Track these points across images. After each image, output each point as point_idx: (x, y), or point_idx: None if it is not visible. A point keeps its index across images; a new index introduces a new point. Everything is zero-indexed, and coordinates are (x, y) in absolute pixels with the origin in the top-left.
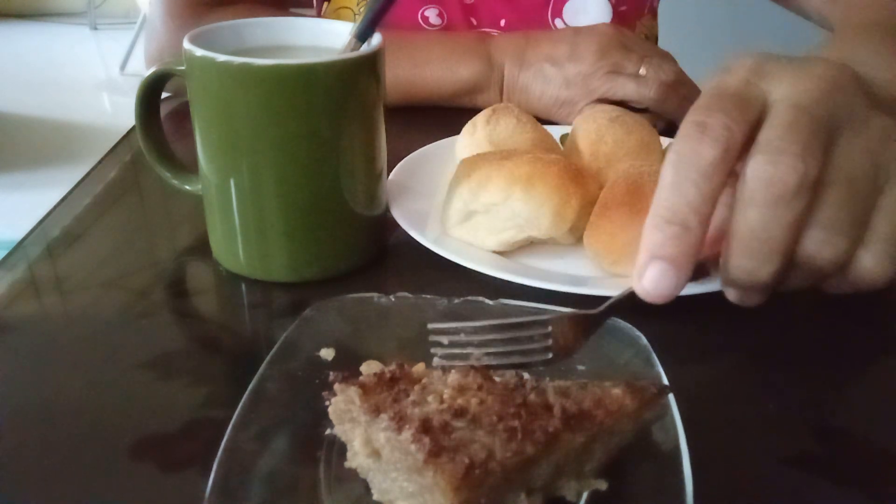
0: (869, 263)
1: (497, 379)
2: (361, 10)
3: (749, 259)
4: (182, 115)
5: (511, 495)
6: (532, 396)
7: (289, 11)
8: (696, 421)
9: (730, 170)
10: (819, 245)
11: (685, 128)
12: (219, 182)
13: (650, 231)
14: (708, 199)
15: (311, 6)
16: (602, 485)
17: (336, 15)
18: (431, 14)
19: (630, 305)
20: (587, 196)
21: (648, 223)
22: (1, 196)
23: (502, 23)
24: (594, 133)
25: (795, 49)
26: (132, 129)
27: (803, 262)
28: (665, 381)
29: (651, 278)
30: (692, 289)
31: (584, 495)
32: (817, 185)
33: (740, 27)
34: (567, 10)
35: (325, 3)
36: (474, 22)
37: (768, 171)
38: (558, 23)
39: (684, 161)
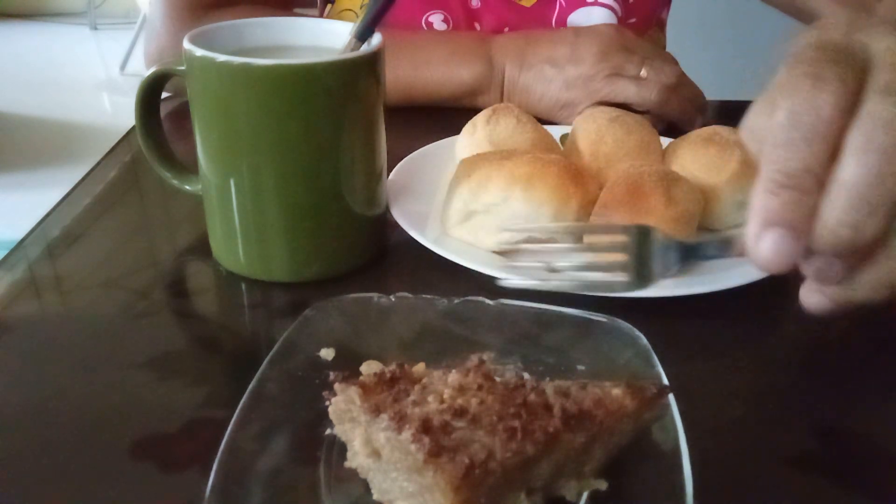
0: None
1: (497, 379)
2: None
3: (857, 212)
4: (182, 115)
5: (511, 495)
6: (532, 396)
7: (292, 12)
8: (696, 421)
9: (846, 125)
10: None
11: (793, 80)
12: (219, 182)
13: (764, 196)
14: (825, 158)
15: (311, 7)
16: (602, 485)
17: (339, 18)
18: (436, 19)
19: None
20: (587, 196)
21: (761, 188)
22: (1, 196)
23: (505, 30)
24: (594, 133)
25: None
26: (132, 129)
27: None
28: (665, 381)
29: (769, 247)
30: (692, 289)
31: (584, 495)
32: None
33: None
34: (571, 21)
35: (329, 6)
36: (478, 28)
37: (887, 112)
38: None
39: (800, 117)
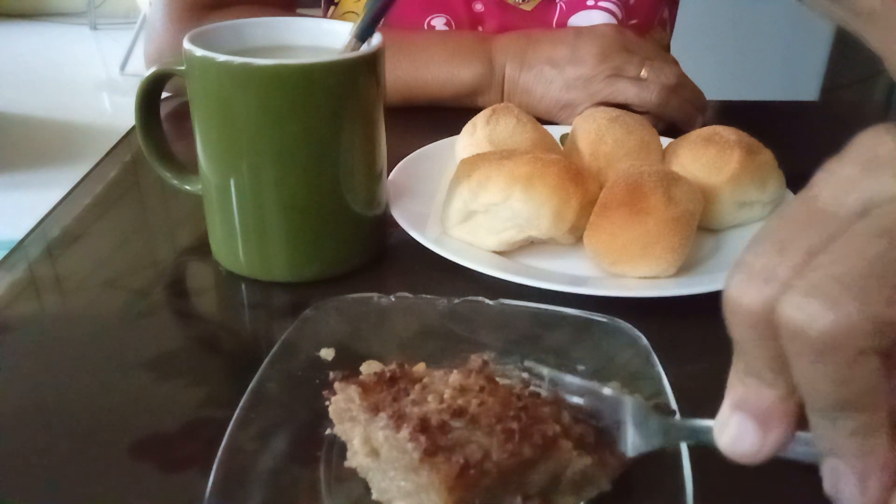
0: None
1: (499, 381)
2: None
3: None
4: (182, 115)
5: (507, 498)
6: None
7: (295, 12)
8: None
9: None
10: None
11: (734, 272)
12: (219, 182)
13: (732, 376)
14: (776, 351)
15: (314, 7)
16: (605, 485)
17: (342, 20)
18: (438, 23)
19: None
20: (587, 196)
21: (731, 373)
22: (1, 196)
23: None
24: (594, 133)
25: (801, 63)
26: (132, 129)
27: None
28: (665, 380)
29: (731, 433)
30: (692, 289)
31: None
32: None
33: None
34: (572, 24)
35: (332, 7)
36: (481, 30)
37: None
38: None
39: (734, 312)
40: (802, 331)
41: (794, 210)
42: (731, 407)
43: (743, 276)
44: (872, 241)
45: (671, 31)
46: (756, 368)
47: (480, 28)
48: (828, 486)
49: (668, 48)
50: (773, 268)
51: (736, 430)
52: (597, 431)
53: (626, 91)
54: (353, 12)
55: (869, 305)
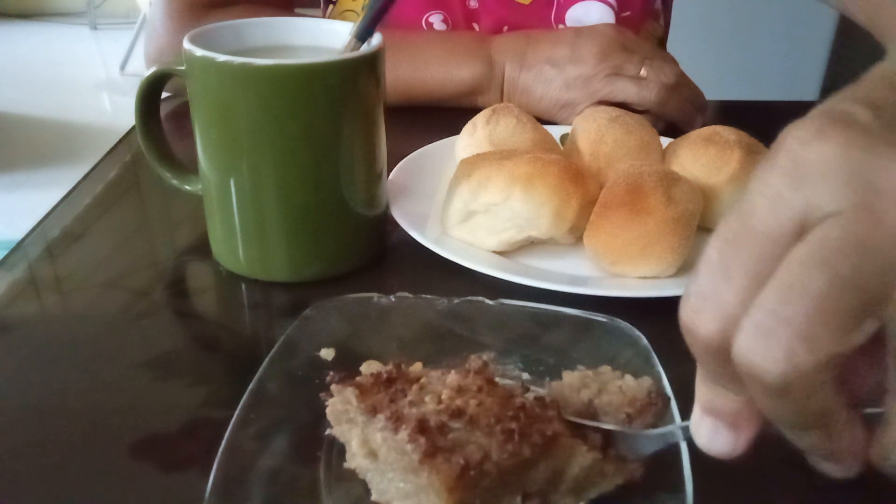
0: None
1: (498, 381)
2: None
3: (790, 417)
4: (182, 115)
5: (507, 498)
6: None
7: (293, 12)
8: None
9: None
10: None
11: (686, 295)
12: (219, 182)
13: (698, 381)
14: (727, 366)
15: (310, 7)
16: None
17: (341, 18)
18: (436, 20)
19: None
20: (587, 196)
21: (698, 376)
22: (1, 196)
23: (505, 28)
24: (594, 133)
25: (801, 63)
26: (132, 129)
27: None
28: (665, 380)
29: (705, 433)
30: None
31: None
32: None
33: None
34: (570, 17)
35: (331, 6)
36: (477, 28)
37: (763, 363)
38: (561, 28)
39: (687, 329)
40: (758, 375)
41: (733, 228)
42: (701, 410)
43: (694, 303)
44: (814, 276)
45: (667, 24)
46: (719, 381)
47: (476, 25)
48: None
49: (663, 41)
50: (721, 295)
51: (709, 432)
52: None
53: (626, 90)
54: (352, 11)
55: (820, 349)
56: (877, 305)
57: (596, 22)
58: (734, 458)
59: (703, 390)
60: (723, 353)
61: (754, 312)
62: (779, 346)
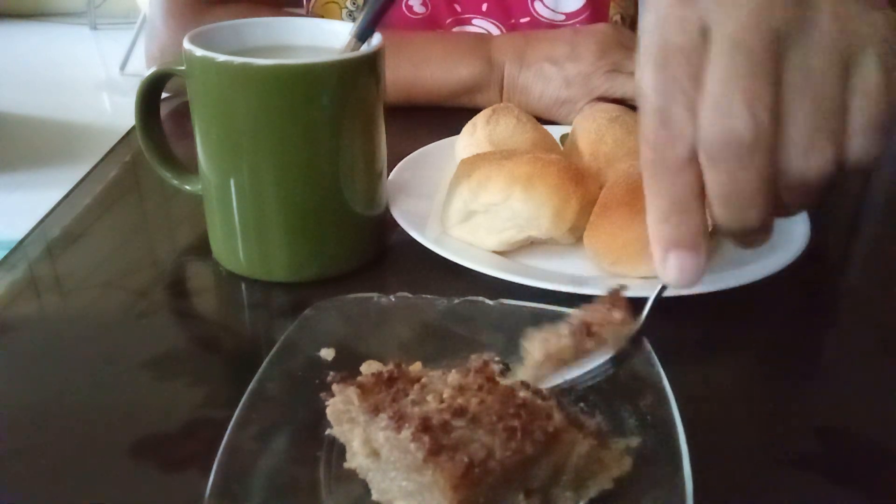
0: (858, 152)
1: (499, 380)
2: (348, 3)
3: (732, 211)
4: (182, 115)
5: (510, 495)
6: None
7: (283, 10)
8: (696, 421)
9: None
10: (803, 162)
11: (645, 115)
12: (219, 182)
13: (655, 225)
14: (697, 178)
15: (301, 5)
16: (608, 483)
17: (324, 10)
18: (416, 3)
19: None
20: (587, 196)
21: (650, 218)
22: (1, 196)
23: (483, 7)
24: (594, 133)
25: None
26: (132, 129)
27: (795, 184)
28: (665, 380)
29: (674, 268)
30: (692, 289)
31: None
32: (779, 112)
33: None
34: None
35: None
36: (458, 9)
37: (720, 132)
38: (537, 6)
39: (660, 154)
40: (733, 138)
41: (659, 52)
42: (664, 250)
43: (655, 136)
44: (734, 57)
45: (636, 2)
46: (682, 202)
47: (457, 7)
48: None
49: (633, 19)
50: (676, 114)
51: (677, 264)
52: (598, 424)
53: (625, 85)
54: (334, 2)
55: (765, 97)
56: (784, 59)
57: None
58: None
59: (662, 228)
60: (691, 161)
61: (708, 99)
62: (741, 105)
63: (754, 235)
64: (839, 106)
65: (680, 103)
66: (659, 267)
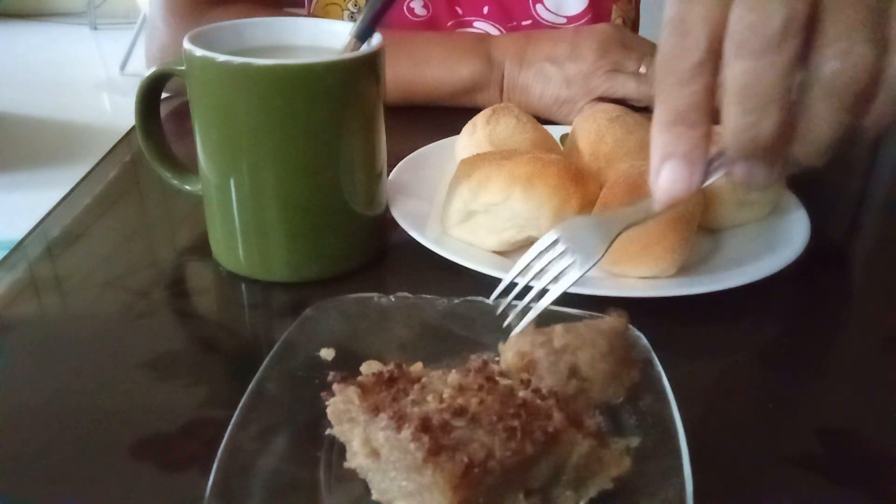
0: None
1: (499, 380)
2: (349, 5)
3: (748, 111)
4: (182, 115)
5: (510, 495)
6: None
7: (283, 10)
8: (697, 421)
9: (720, 55)
10: (837, 63)
11: (667, 23)
12: (219, 182)
13: (656, 134)
14: (704, 91)
15: (302, 5)
16: (608, 483)
17: (325, 11)
18: (417, 5)
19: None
20: (587, 196)
21: (654, 127)
22: (1, 196)
23: (485, 10)
24: (594, 133)
25: None
26: (132, 129)
27: (821, 93)
28: (665, 380)
29: (667, 178)
30: (692, 289)
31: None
32: (817, 4)
33: None
34: None
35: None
36: (459, 11)
37: (751, 19)
38: (539, 9)
39: (671, 64)
40: (763, 29)
41: None
42: (661, 158)
43: (672, 32)
44: None
45: (637, 3)
46: (686, 113)
47: (458, 9)
48: (740, 179)
49: (635, 24)
50: (697, 6)
51: (669, 174)
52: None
53: (626, 85)
54: (335, 3)
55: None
56: None
57: (573, 2)
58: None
59: (662, 138)
60: (701, 74)
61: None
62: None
63: (763, 161)
64: (884, 9)
65: (697, 13)
66: (652, 177)
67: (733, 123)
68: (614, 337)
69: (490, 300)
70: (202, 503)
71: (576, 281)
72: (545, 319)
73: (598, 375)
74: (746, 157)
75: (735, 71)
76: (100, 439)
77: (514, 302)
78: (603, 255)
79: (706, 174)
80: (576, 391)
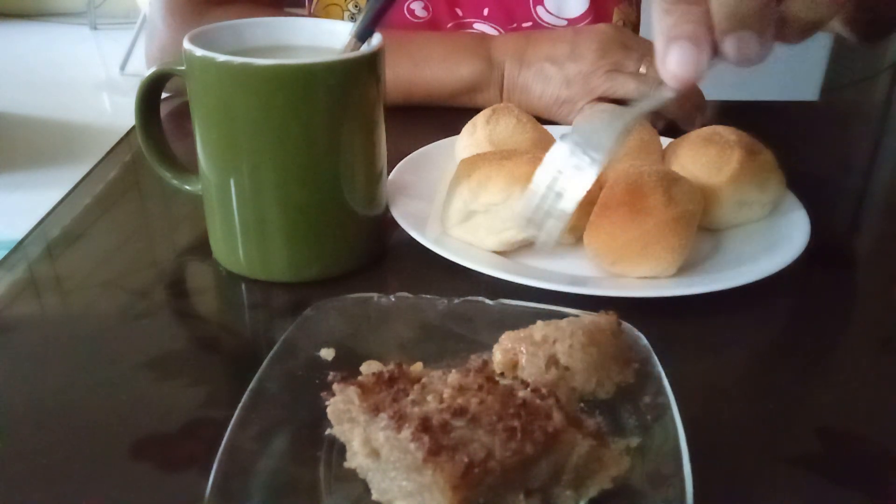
0: None
1: (499, 380)
2: (350, 6)
3: None
4: (182, 115)
5: (510, 495)
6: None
7: (283, 10)
8: (696, 420)
9: None
10: None
11: None
12: (219, 182)
13: (660, 18)
14: None
15: (303, 5)
16: (608, 483)
17: (325, 12)
18: (417, 7)
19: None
20: (587, 196)
21: (655, 12)
22: (1, 196)
23: (485, 12)
24: None
25: (801, 63)
26: (132, 129)
27: None
28: (665, 380)
29: (675, 60)
30: (692, 289)
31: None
32: None
33: None
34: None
35: (315, 0)
36: (459, 13)
37: None
38: (540, 10)
39: None
40: None
41: None
42: (667, 40)
43: None
44: None
45: (638, 8)
46: None
47: (458, 11)
48: (733, 54)
49: (636, 26)
50: None
51: (678, 55)
52: (598, 423)
53: (626, 85)
54: (335, 4)
55: None
56: None
57: (573, 2)
58: (695, 81)
59: (666, 20)
60: None
61: None
62: None
63: (754, 28)
64: None
65: None
66: (660, 61)
67: None
68: (596, 331)
69: (523, 220)
70: (202, 503)
71: (595, 177)
72: (543, 320)
73: (577, 365)
74: (737, 25)
75: None
76: (100, 439)
77: (513, 302)
78: (617, 146)
79: (710, 56)
80: (556, 379)
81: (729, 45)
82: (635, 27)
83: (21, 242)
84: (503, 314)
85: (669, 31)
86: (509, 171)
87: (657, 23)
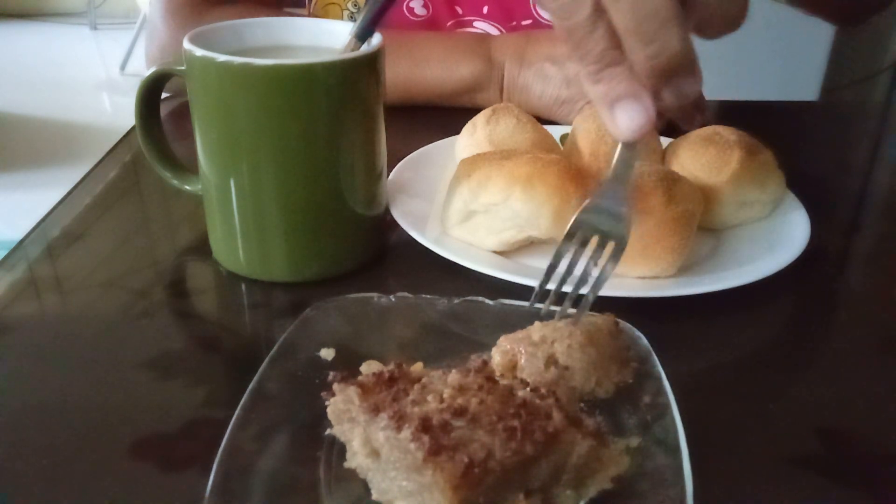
0: None
1: (499, 380)
2: (349, 5)
3: (650, 37)
4: (182, 115)
5: (510, 495)
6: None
7: (283, 10)
8: (697, 421)
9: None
10: None
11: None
12: (219, 182)
13: (591, 87)
14: (609, 33)
15: (303, 5)
16: (608, 483)
17: (325, 11)
18: (417, 5)
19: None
20: (587, 196)
21: (586, 83)
22: (1, 196)
23: (485, 10)
24: (594, 133)
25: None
26: (132, 129)
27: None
28: (665, 380)
29: (624, 120)
30: (692, 289)
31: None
32: None
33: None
34: None
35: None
36: (459, 11)
37: None
38: (540, 9)
39: (571, 21)
40: None
41: None
42: (608, 106)
43: (562, 6)
44: None
45: None
46: (604, 56)
47: (458, 9)
48: (673, 101)
49: None
50: None
51: (625, 114)
52: (598, 423)
53: None
54: (335, 3)
55: None
56: None
57: None
58: (647, 131)
59: (598, 88)
60: (600, 19)
61: None
62: None
63: (683, 73)
64: None
65: None
66: (610, 125)
67: (642, 56)
68: (594, 331)
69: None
70: (202, 503)
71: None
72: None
73: (576, 364)
74: (668, 78)
75: (619, 11)
76: (100, 439)
77: (513, 302)
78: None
79: (652, 103)
80: (556, 378)
81: (667, 96)
82: None
83: (21, 242)
84: (503, 314)
85: (606, 97)
86: (509, 171)
87: (590, 94)
